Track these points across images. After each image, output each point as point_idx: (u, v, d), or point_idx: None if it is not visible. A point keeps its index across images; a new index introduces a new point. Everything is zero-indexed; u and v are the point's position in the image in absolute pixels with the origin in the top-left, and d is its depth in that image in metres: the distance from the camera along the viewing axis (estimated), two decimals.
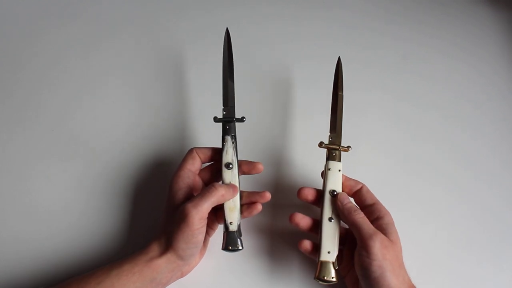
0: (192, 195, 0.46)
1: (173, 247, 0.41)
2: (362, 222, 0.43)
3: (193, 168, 0.47)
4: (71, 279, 0.42)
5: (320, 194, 0.47)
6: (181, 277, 0.46)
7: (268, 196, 0.47)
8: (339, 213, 0.45)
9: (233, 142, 0.47)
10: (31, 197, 0.52)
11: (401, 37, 0.67)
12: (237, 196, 0.45)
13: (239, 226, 0.45)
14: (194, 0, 0.68)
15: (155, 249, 0.42)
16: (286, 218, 0.48)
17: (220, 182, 0.46)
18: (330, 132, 0.49)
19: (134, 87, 0.60)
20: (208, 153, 0.48)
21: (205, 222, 0.42)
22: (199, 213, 0.41)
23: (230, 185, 0.45)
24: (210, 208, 0.42)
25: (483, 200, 0.55)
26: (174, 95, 0.60)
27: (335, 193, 0.46)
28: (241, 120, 0.49)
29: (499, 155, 0.58)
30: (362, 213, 0.44)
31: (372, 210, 0.45)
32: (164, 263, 0.42)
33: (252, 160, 0.48)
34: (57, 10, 0.65)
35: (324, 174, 0.47)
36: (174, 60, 0.62)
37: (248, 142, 0.55)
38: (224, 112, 0.49)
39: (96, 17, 0.65)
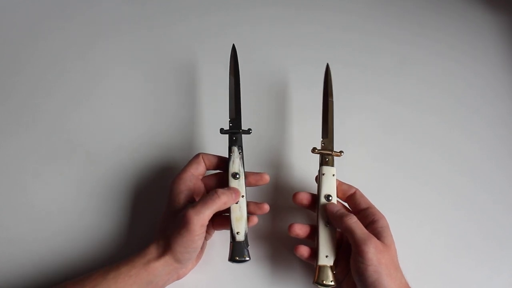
0: (193, 199, 0.46)
1: (171, 250, 0.42)
2: (355, 227, 0.42)
3: (196, 172, 0.47)
4: (67, 282, 0.42)
5: (315, 198, 0.47)
6: (177, 280, 0.46)
7: (266, 208, 0.47)
8: (332, 221, 0.45)
9: (240, 153, 0.47)
10: (27, 199, 0.52)
11: (399, 40, 0.67)
12: (244, 205, 0.45)
13: (246, 236, 0.45)
14: (193, 5, 0.68)
15: (152, 251, 0.42)
16: (284, 222, 0.48)
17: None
18: (322, 137, 0.50)
19: (133, 91, 0.60)
20: (214, 160, 0.48)
21: (205, 228, 0.42)
22: (201, 220, 0.41)
23: (232, 190, 0.44)
24: (211, 215, 0.42)
25: (479, 204, 0.55)
26: (175, 99, 0.59)
27: (330, 198, 0.46)
28: (248, 132, 0.49)
29: (496, 158, 0.58)
30: (355, 217, 0.43)
31: (366, 214, 0.45)
32: (161, 265, 0.42)
33: (255, 171, 0.48)
34: (55, 13, 0.65)
35: (318, 180, 0.47)
36: (174, 64, 0.62)
37: (245, 148, 0.53)
38: (231, 124, 0.49)
39: (94, 19, 0.65)
